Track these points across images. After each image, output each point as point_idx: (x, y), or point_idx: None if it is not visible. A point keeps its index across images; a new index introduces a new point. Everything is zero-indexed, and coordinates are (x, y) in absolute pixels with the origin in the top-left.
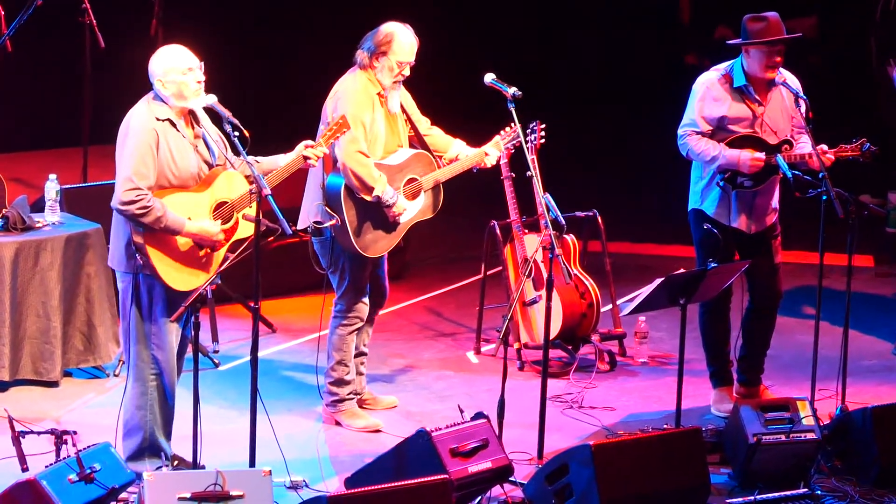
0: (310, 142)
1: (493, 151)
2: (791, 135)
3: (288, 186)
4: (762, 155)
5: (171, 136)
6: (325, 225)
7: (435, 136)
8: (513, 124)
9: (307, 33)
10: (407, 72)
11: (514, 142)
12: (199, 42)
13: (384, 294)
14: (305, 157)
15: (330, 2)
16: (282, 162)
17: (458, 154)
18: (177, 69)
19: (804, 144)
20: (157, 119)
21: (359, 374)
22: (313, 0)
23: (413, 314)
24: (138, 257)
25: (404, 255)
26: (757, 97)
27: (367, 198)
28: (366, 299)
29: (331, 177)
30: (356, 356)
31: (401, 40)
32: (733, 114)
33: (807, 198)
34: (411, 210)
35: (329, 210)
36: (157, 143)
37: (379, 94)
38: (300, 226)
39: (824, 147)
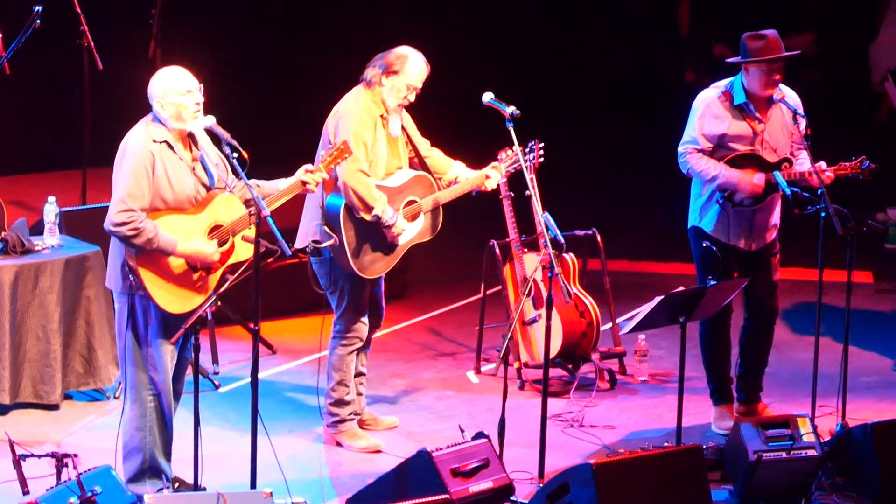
0: (310, 166)
1: (494, 175)
2: (791, 151)
3: (287, 207)
4: (762, 181)
5: (167, 158)
6: (323, 245)
7: (435, 157)
8: (513, 147)
9: (307, 55)
10: (413, 97)
11: (515, 165)
12: (198, 63)
13: (380, 315)
14: (304, 183)
15: (329, 24)
16: (282, 186)
17: (457, 176)
18: (176, 91)
19: (803, 161)
20: (155, 141)
21: (358, 394)
22: (313, 22)
23: (413, 334)
24: (132, 279)
25: (404, 274)
26: (757, 115)
27: (367, 217)
28: (365, 319)
29: (330, 197)
30: (355, 376)
31: (414, 62)
32: (733, 132)
33: (805, 214)
34: (410, 232)
35: (328, 230)
36: (152, 165)
37: (381, 115)
38: (298, 245)
39: (823, 165)
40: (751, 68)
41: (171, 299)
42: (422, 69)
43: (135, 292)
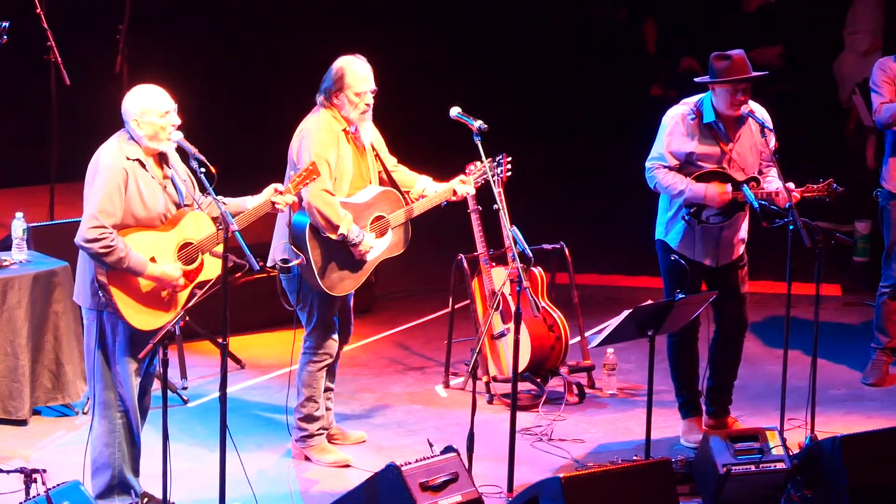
0: (279, 186)
1: (462, 188)
2: (759, 169)
3: (255, 222)
4: (729, 188)
5: (140, 176)
6: (291, 264)
7: (401, 172)
8: (481, 161)
9: (276, 69)
10: (370, 100)
11: (484, 177)
12: (164, 78)
13: (349, 330)
14: (273, 203)
15: (298, 39)
16: (249, 204)
17: (424, 189)
18: (155, 111)
19: (772, 179)
20: (128, 158)
21: (326, 409)
22: (282, 37)
23: (381, 348)
24: (101, 295)
25: (373, 289)
26: (726, 133)
27: (333, 237)
28: (335, 336)
29: (297, 215)
30: (323, 391)
31: (354, 71)
32: (701, 150)
33: (774, 227)
34: (378, 248)
35: (295, 249)
36: (125, 183)
37: (344, 130)
38: (269, 263)
39: (791, 185)
40: (717, 88)
41: (141, 316)
42: (364, 74)
43: (104, 308)
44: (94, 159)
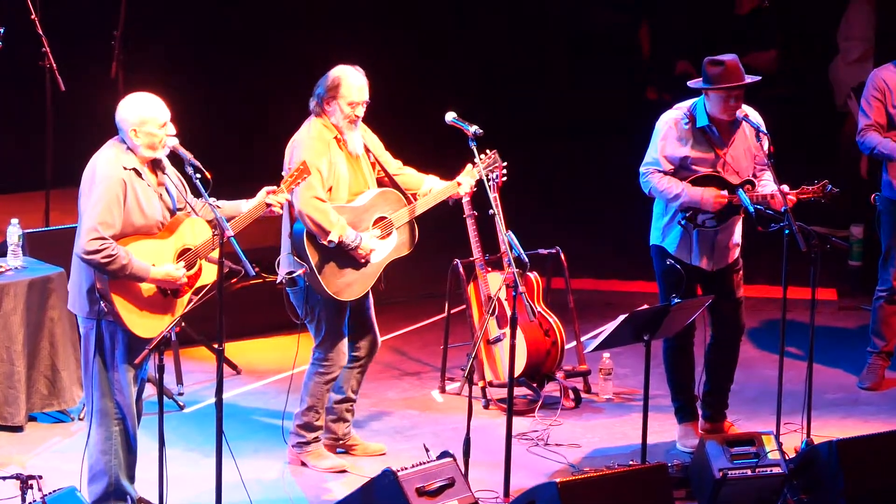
0: (272, 188)
1: (466, 180)
2: (754, 172)
3: (251, 229)
4: (725, 192)
5: (137, 185)
6: (296, 274)
7: (407, 174)
8: (488, 151)
9: (270, 74)
10: (360, 111)
11: (495, 165)
12: (158, 84)
13: (374, 341)
14: (268, 204)
15: (293, 44)
16: (244, 207)
17: (430, 189)
18: (155, 122)
19: (767, 182)
20: (125, 168)
21: (345, 420)
22: (276, 41)
23: (377, 353)
24: (102, 304)
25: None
26: (720, 137)
27: (326, 242)
28: (345, 347)
29: (296, 224)
30: (343, 402)
31: (349, 83)
32: (696, 154)
33: (769, 232)
34: (383, 250)
35: (297, 259)
36: (124, 193)
37: (336, 137)
38: (278, 279)
39: (786, 188)
40: (710, 94)
41: (142, 323)
42: (359, 85)
43: (104, 317)
44: (89, 169)
